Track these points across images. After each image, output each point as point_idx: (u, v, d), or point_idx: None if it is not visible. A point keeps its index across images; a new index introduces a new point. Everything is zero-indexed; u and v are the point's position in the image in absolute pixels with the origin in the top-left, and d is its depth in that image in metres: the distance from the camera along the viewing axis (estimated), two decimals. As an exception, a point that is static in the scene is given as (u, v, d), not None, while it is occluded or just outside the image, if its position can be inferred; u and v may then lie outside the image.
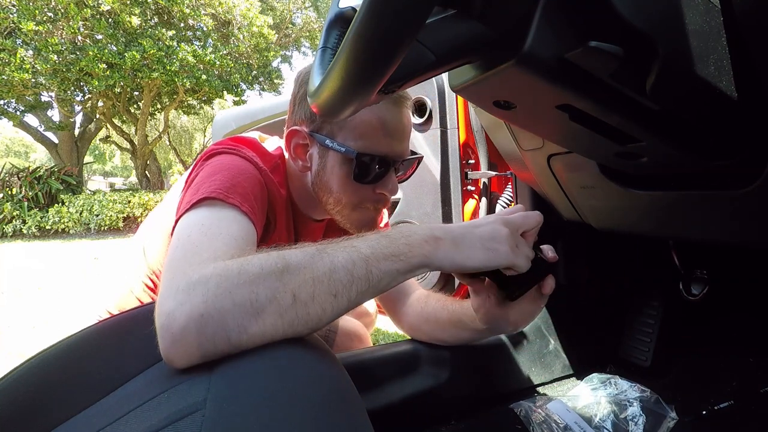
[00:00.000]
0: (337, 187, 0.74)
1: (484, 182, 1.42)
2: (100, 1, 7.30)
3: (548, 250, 0.63)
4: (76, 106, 10.63)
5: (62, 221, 7.34)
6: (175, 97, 10.49)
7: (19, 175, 8.18)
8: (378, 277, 0.45)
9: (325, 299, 0.43)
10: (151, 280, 0.85)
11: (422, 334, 0.87)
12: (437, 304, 0.82)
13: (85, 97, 9.88)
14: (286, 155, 0.81)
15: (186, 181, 0.71)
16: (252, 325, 0.40)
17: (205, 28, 9.23)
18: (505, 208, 1.41)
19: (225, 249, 0.49)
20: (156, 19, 8.77)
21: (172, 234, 0.56)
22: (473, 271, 0.55)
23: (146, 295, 0.86)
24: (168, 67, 7.98)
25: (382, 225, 0.96)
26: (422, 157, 0.80)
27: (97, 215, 7.47)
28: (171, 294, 0.42)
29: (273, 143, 0.84)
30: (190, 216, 0.56)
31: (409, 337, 0.92)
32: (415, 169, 0.80)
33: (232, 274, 0.42)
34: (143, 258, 0.86)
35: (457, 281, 1.44)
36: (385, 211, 1.01)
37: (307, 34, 14.53)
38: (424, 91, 1.42)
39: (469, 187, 1.43)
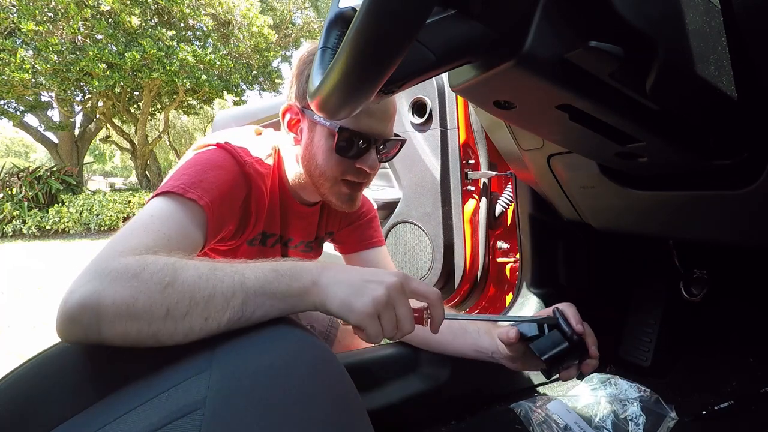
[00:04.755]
0: (321, 159, 0.78)
1: (484, 182, 1.42)
2: (100, 1, 7.29)
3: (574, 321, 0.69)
4: (76, 106, 10.61)
5: (62, 221, 7.34)
6: (175, 97, 10.49)
7: (19, 175, 8.17)
8: (252, 310, 0.48)
9: (196, 320, 0.46)
10: None
11: (414, 337, 0.87)
12: None
13: (85, 97, 9.87)
14: (282, 138, 0.86)
15: None
16: (121, 326, 0.44)
17: (205, 28, 9.22)
18: (505, 208, 1.41)
19: (151, 245, 0.54)
20: (156, 19, 8.76)
21: None
22: (351, 323, 0.51)
23: None
24: (168, 67, 7.97)
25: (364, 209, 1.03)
26: (405, 141, 0.84)
27: (97, 215, 7.47)
28: (79, 276, 0.48)
29: (268, 135, 0.89)
30: (148, 206, 0.62)
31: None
32: (398, 150, 0.85)
33: (127, 275, 0.47)
34: None
35: (456, 282, 1.44)
36: (373, 201, 1.06)
37: (307, 34, 14.52)
38: (424, 91, 1.42)
39: (469, 187, 1.43)
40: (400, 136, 0.83)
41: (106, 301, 0.44)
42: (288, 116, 0.82)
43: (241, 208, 0.76)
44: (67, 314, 0.45)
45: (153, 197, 0.64)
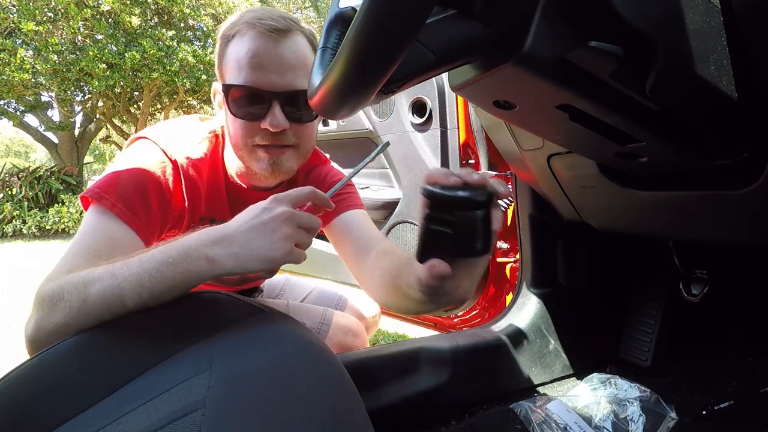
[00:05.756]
0: (230, 128, 0.74)
1: (484, 182, 1.41)
2: (100, 1, 7.28)
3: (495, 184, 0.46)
4: (76, 106, 10.60)
5: (62, 221, 7.33)
6: (175, 97, 10.48)
7: (19, 175, 8.16)
8: (156, 298, 0.51)
9: (108, 317, 0.51)
10: None
11: (372, 295, 0.79)
12: (388, 265, 0.72)
13: (85, 97, 9.86)
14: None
15: None
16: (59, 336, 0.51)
17: (205, 28, 9.21)
18: (505, 208, 1.40)
19: (78, 262, 0.60)
20: (156, 19, 8.75)
21: None
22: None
23: None
24: (168, 67, 7.96)
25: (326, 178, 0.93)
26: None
27: (97, 215, 7.47)
28: (33, 305, 0.57)
29: (213, 123, 0.85)
30: (83, 220, 0.67)
31: (411, 337, 0.91)
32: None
33: (52, 301, 0.54)
34: None
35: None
36: (337, 167, 0.97)
37: (307, 34, 14.51)
38: (424, 91, 1.42)
39: (469, 187, 1.43)
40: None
41: (45, 329, 0.53)
42: (216, 99, 0.78)
43: (168, 200, 0.73)
44: (28, 346, 0.55)
45: (88, 206, 0.68)
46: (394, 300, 0.70)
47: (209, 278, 0.51)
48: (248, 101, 0.70)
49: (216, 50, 0.76)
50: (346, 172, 0.97)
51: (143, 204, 0.69)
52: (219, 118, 0.82)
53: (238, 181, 0.83)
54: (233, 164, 0.82)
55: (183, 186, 0.75)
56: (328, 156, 0.99)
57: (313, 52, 0.75)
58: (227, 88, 0.70)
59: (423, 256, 0.46)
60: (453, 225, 0.44)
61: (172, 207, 0.74)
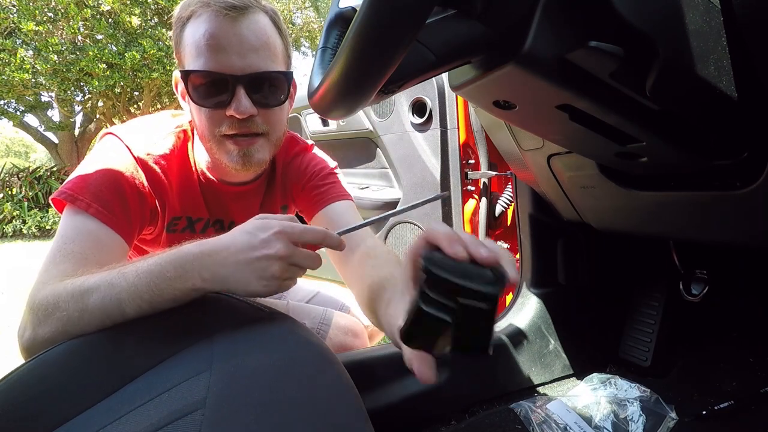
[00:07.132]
0: (195, 119, 0.71)
1: (484, 182, 1.42)
2: (100, 1, 7.29)
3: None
4: (76, 106, 10.61)
5: (62, 221, 7.34)
6: (175, 97, 10.49)
7: (20, 175, 8.17)
8: (134, 311, 0.50)
9: (108, 325, 0.52)
10: None
11: (356, 297, 0.75)
12: (370, 273, 0.67)
13: (85, 97, 9.86)
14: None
15: None
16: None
17: (205, 28, 9.22)
18: (505, 208, 1.40)
19: (65, 267, 0.59)
20: (156, 19, 8.75)
21: None
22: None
23: None
24: (168, 67, 7.97)
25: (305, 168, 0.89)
26: (290, 74, 0.72)
27: (97, 215, 7.47)
28: (23, 314, 0.56)
29: (183, 118, 0.82)
30: (61, 223, 0.65)
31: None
32: (288, 88, 0.72)
33: (48, 311, 0.53)
34: None
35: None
36: (325, 155, 0.91)
37: (307, 34, 14.51)
38: (424, 91, 1.42)
39: (469, 187, 1.43)
40: (280, 71, 0.70)
41: (42, 337, 0.52)
42: (179, 89, 0.74)
43: (142, 195, 0.72)
44: (24, 354, 0.55)
45: (61, 208, 0.66)
46: (374, 322, 0.64)
47: (204, 293, 0.52)
48: (210, 87, 0.67)
49: (172, 35, 0.73)
50: (340, 166, 0.94)
51: (119, 201, 0.67)
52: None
53: (211, 177, 0.80)
54: (203, 159, 0.78)
55: (147, 183, 0.72)
56: (311, 142, 0.94)
57: (277, 31, 0.72)
58: (186, 75, 0.67)
59: (410, 338, 0.38)
60: (453, 314, 0.35)
61: (147, 202, 0.73)
